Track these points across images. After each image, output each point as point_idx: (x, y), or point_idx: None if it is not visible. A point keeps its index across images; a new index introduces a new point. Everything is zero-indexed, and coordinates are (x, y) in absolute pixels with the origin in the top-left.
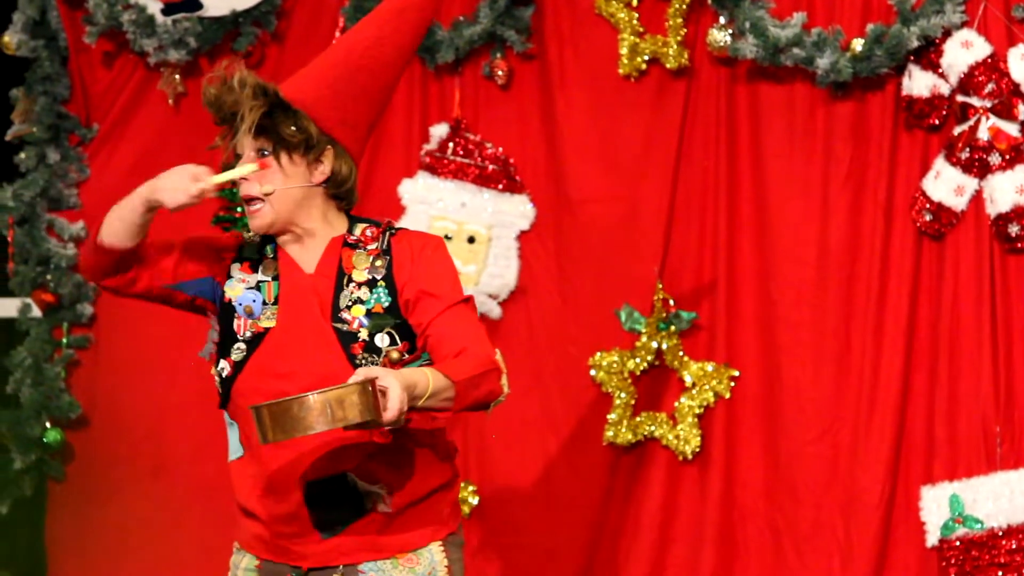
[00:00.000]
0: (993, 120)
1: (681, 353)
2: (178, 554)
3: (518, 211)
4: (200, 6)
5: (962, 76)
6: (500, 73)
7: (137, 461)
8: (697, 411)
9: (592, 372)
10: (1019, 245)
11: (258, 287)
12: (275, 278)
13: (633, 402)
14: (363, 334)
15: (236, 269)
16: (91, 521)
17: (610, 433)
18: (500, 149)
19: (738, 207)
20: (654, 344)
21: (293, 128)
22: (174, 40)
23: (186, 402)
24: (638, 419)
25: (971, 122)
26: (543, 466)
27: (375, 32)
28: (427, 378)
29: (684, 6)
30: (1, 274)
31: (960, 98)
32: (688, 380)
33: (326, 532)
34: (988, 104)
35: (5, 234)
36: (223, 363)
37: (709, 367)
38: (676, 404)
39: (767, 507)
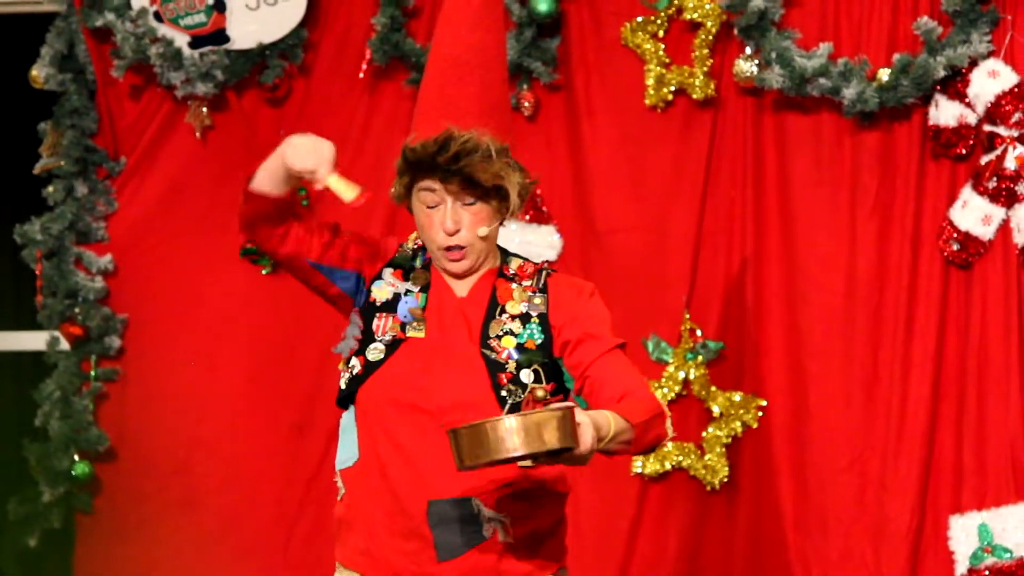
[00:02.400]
0: (1020, 149)
1: (709, 383)
2: None
3: (545, 241)
4: (227, 39)
5: (989, 105)
6: (527, 104)
7: (165, 494)
8: (725, 441)
9: None
10: None
11: (405, 294)
12: (424, 290)
13: None
14: (511, 366)
15: (388, 273)
16: (119, 554)
17: (638, 463)
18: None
19: (765, 237)
20: (681, 374)
21: (499, 176)
22: (201, 73)
23: (214, 435)
24: (666, 449)
25: (998, 151)
26: (570, 496)
27: (485, 41)
28: (609, 420)
29: (710, 37)
30: (29, 307)
31: (987, 127)
32: (716, 410)
33: (445, 554)
34: (1015, 133)
35: (33, 267)
36: (355, 360)
37: (737, 397)
38: (704, 434)
39: (796, 537)
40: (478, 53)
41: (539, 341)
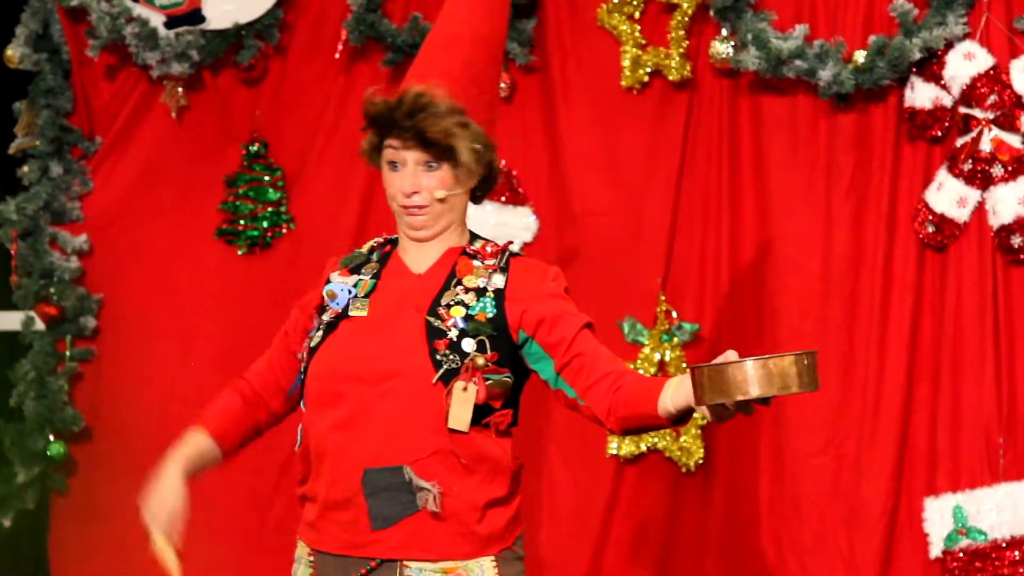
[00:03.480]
0: (995, 132)
1: (684, 365)
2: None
3: (521, 223)
4: (203, 19)
5: (964, 88)
6: (502, 86)
7: (140, 474)
8: (700, 423)
9: None
10: (1022, 256)
11: (355, 284)
12: (374, 277)
13: None
14: (453, 333)
15: (335, 276)
16: (94, 534)
17: (613, 445)
18: (503, 161)
19: (741, 218)
20: (657, 356)
21: (449, 133)
22: (177, 53)
23: (189, 416)
24: None
25: (973, 133)
26: (545, 478)
27: (479, 19)
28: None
29: (686, 18)
30: (4, 287)
31: (962, 110)
32: None
33: (378, 523)
34: (990, 116)
35: (8, 247)
36: (303, 353)
37: None
38: None
39: (770, 519)
40: (470, 30)
41: (490, 315)
